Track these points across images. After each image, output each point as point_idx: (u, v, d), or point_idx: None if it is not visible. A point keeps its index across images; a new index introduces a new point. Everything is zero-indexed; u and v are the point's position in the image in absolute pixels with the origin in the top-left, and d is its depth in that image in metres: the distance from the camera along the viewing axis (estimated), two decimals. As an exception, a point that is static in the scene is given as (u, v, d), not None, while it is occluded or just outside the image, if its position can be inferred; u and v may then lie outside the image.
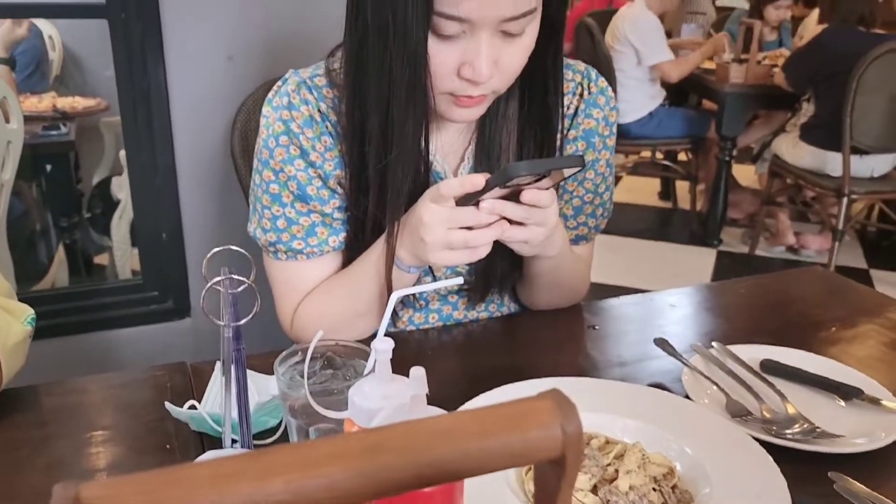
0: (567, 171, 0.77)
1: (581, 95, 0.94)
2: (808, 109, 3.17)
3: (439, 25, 0.75)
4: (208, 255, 0.63)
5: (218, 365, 0.80)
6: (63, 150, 2.74)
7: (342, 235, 0.93)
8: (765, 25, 4.04)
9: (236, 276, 0.60)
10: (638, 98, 3.51)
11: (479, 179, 0.74)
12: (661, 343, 0.90)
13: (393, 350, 0.52)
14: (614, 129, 0.98)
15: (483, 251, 0.79)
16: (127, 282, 1.91)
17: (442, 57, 0.77)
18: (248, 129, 1.22)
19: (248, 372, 0.65)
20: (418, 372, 0.48)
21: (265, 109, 0.90)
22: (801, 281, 1.16)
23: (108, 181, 2.87)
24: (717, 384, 0.81)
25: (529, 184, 0.75)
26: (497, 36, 0.77)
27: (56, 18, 3.16)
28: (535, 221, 0.78)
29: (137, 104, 1.54)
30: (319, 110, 0.89)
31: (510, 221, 0.78)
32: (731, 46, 3.70)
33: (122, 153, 1.63)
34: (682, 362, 0.85)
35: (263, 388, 0.77)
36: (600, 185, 0.98)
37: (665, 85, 3.57)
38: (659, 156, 4.27)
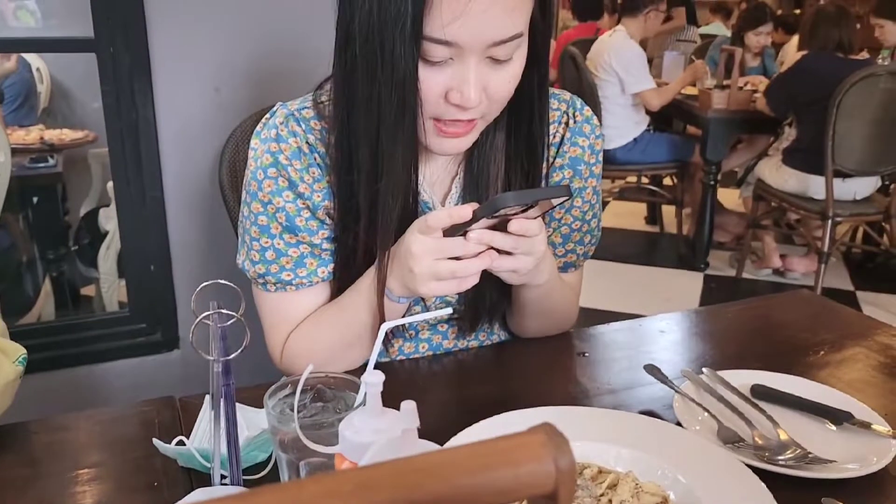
0: (555, 201, 0.77)
1: (566, 124, 0.96)
2: (790, 134, 3.22)
3: (427, 51, 0.75)
4: (197, 290, 0.63)
5: (207, 399, 0.79)
6: (50, 183, 2.74)
7: (331, 266, 0.93)
8: (746, 52, 4.12)
9: (225, 311, 0.60)
10: (623, 124, 3.56)
11: (467, 210, 0.74)
12: (652, 369, 0.90)
13: (383, 381, 0.52)
14: (600, 157, 0.99)
15: (471, 281, 0.79)
16: (114, 314, 1.89)
17: (430, 83, 0.77)
18: (236, 161, 1.22)
19: (238, 405, 0.65)
20: (409, 405, 0.48)
21: (253, 142, 0.90)
22: (788, 305, 1.17)
23: (95, 213, 2.86)
24: (708, 410, 0.81)
25: (517, 214, 0.76)
26: (484, 62, 0.77)
27: (45, 53, 3.17)
28: (523, 251, 0.78)
29: (125, 136, 1.54)
30: (307, 142, 0.89)
31: (498, 251, 0.78)
32: (712, 73, 3.76)
33: (110, 184, 1.63)
34: (673, 389, 0.85)
35: (253, 421, 0.77)
36: (588, 212, 0.99)
37: (649, 111, 3.63)
38: (645, 181, 4.32)
